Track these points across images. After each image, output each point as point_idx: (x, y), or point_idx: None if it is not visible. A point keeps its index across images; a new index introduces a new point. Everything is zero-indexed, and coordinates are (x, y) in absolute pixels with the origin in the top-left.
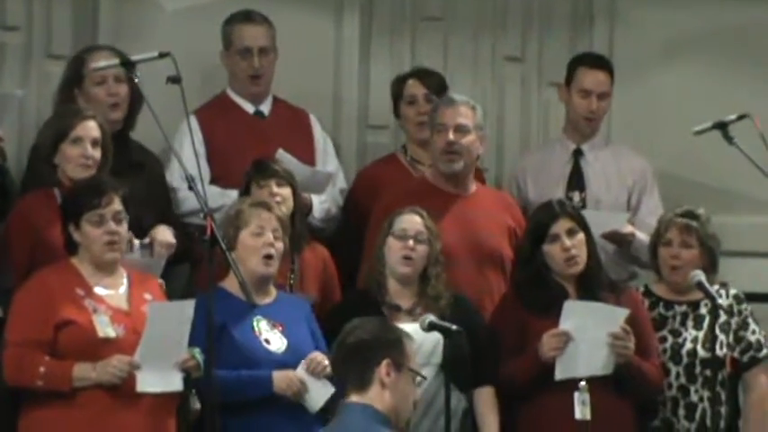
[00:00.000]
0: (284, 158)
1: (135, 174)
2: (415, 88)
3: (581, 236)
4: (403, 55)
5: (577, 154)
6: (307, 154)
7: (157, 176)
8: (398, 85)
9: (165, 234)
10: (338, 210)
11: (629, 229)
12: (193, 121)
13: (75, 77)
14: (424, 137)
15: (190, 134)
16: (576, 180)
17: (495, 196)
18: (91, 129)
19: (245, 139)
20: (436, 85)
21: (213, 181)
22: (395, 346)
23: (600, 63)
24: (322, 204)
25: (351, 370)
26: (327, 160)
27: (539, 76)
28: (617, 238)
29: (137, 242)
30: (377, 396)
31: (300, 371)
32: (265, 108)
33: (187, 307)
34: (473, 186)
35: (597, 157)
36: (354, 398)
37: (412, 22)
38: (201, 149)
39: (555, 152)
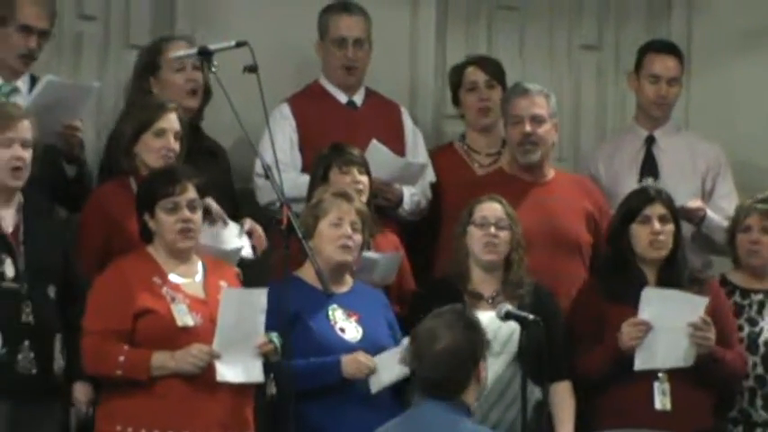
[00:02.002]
0: (378, 149)
1: (209, 162)
2: (475, 75)
3: (671, 226)
4: (479, 44)
5: (650, 141)
6: (397, 146)
7: (228, 165)
8: (457, 73)
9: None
10: (427, 202)
11: (697, 203)
12: (286, 107)
13: (150, 66)
14: (486, 123)
15: (267, 124)
16: (649, 167)
17: (574, 181)
18: (174, 121)
19: (337, 128)
20: (496, 71)
21: (305, 169)
22: (484, 343)
23: (669, 49)
24: (413, 197)
25: (447, 374)
26: (417, 153)
27: (615, 65)
28: (686, 214)
29: (232, 223)
30: (470, 392)
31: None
32: (358, 99)
33: (260, 296)
34: (550, 173)
35: (669, 144)
36: (443, 394)
37: (488, 10)
38: (294, 137)
39: (627, 140)
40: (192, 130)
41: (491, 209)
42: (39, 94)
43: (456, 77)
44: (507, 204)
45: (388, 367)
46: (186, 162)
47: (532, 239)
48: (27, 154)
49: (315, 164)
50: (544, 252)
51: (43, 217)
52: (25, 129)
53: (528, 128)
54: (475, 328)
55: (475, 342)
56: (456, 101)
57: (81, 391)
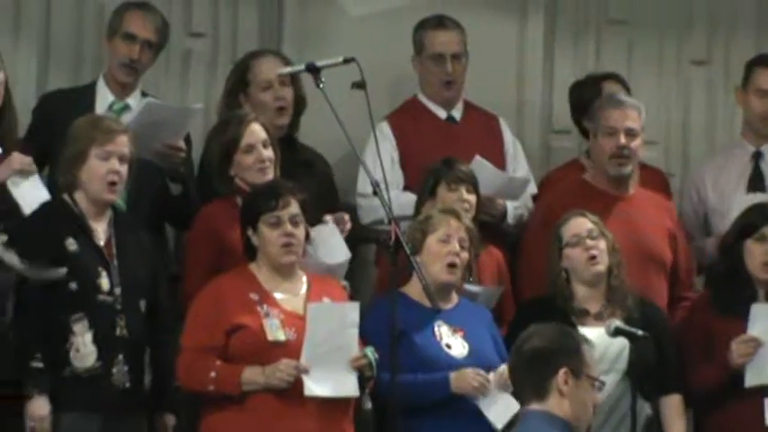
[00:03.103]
0: (481, 165)
1: (304, 173)
2: (613, 89)
3: None
4: (587, 58)
5: (757, 156)
6: (497, 159)
7: (325, 175)
8: (592, 85)
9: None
10: (530, 214)
11: None
12: (386, 126)
13: (240, 83)
14: None
15: (375, 140)
16: (757, 182)
17: (654, 198)
18: (259, 132)
19: (437, 144)
20: (627, 89)
21: (406, 187)
22: (573, 354)
23: None
24: (516, 210)
25: (528, 378)
26: (518, 165)
27: (725, 80)
28: None
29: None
30: (556, 404)
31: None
32: (457, 113)
33: (352, 310)
34: (634, 188)
35: None
36: (534, 405)
37: (596, 24)
38: (395, 155)
39: (734, 155)
40: (288, 143)
41: (578, 224)
42: (138, 115)
43: (593, 92)
44: (591, 215)
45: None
46: (282, 174)
47: (621, 253)
48: (124, 168)
49: (424, 177)
50: (631, 267)
51: (134, 231)
52: (123, 143)
53: (623, 140)
54: (566, 333)
55: (559, 345)
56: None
57: (169, 419)
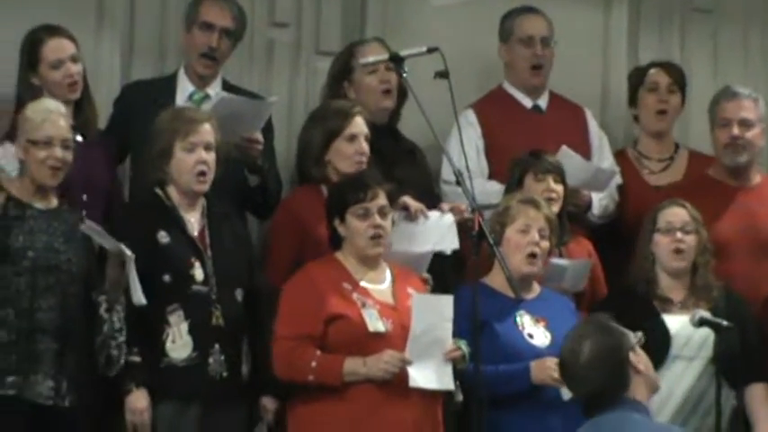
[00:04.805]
0: (569, 155)
1: (408, 162)
2: (658, 76)
3: None
4: (672, 47)
5: None
6: (583, 150)
7: (425, 165)
8: (640, 74)
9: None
10: (615, 206)
11: None
12: (471, 114)
13: (344, 70)
14: (661, 127)
15: (458, 129)
16: None
17: None
18: (362, 125)
19: (523, 133)
20: (679, 77)
21: (491, 176)
22: (626, 337)
23: None
24: (600, 201)
25: (601, 384)
26: (603, 157)
27: None
28: None
29: (433, 215)
30: (636, 387)
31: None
32: (543, 102)
33: (448, 302)
34: (757, 178)
35: None
36: (608, 403)
37: (681, 13)
38: (480, 143)
39: None
40: (390, 132)
41: (675, 214)
42: (212, 109)
43: (637, 78)
44: (692, 207)
45: None
46: (386, 163)
47: (734, 244)
48: (211, 157)
49: (510, 169)
50: (746, 257)
51: (227, 220)
52: (207, 132)
53: (736, 131)
54: (609, 328)
55: (614, 341)
56: (633, 102)
57: (269, 402)
